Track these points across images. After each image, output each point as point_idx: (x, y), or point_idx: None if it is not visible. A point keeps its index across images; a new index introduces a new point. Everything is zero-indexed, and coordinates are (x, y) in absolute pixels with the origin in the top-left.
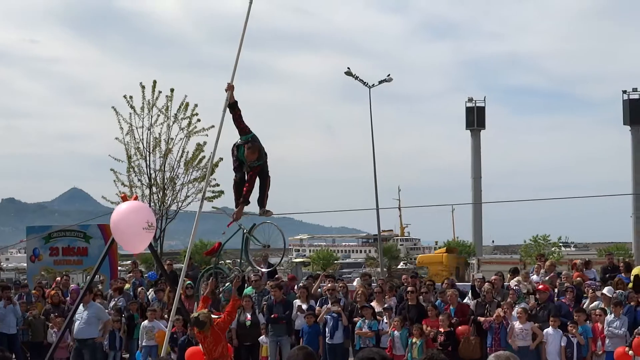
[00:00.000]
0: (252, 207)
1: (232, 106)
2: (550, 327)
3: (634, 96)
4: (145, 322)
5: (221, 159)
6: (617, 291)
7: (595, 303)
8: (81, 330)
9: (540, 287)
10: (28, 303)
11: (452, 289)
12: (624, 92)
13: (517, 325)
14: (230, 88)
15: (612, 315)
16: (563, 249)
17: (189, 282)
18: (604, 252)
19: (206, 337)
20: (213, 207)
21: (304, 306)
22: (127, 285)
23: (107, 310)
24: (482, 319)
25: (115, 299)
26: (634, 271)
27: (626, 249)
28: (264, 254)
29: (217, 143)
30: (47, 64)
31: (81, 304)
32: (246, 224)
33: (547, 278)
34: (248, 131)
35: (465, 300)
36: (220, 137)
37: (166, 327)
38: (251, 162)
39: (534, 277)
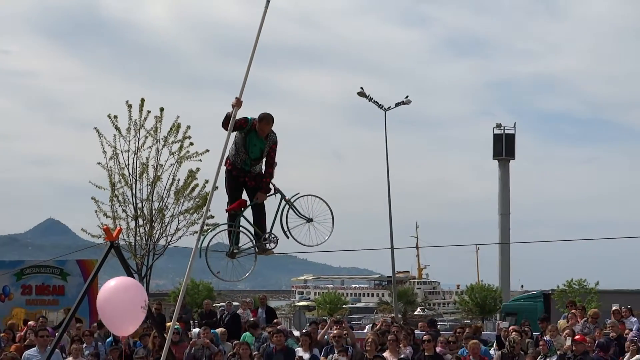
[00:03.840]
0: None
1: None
2: None
3: None
4: None
5: (217, 187)
6: None
7: (636, 357)
8: None
9: (577, 337)
10: None
11: (474, 338)
12: None
13: None
14: (238, 104)
15: None
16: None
17: (176, 327)
18: None
19: None
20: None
21: (306, 356)
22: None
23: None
24: None
25: (93, 345)
26: None
27: None
28: (262, 295)
29: (220, 167)
30: (20, 77)
31: (35, 348)
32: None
33: (592, 328)
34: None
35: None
36: (211, 158)
37: None
38: (269, 137)
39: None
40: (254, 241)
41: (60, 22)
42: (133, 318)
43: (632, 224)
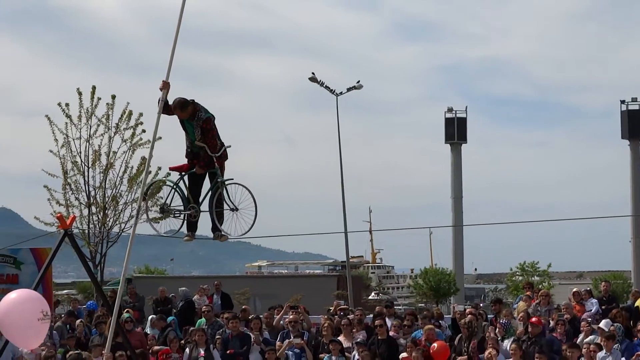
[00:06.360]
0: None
1: (166, 108)
2: None
3: (634, 107)
4: None
5: (159, 168)
6: (615, 324)
7: (591, 337)
8: None
9: (533, 319)
10: None
11: (431, 323)
12: (622, 102)
13: None
14: (165, 86)
15: (604, 350)
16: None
17: (128, 315)
18: (599, 280)
19: None
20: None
21: (260, 339)
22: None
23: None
24: (460, 358)
25: (47, 333)
26: (638, 302)
27: (624, 278)
28: (217, 282)
29: (152, 150)
30: None
31: None
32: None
33: (543, 310)
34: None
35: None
36: (163, 145)
37: None
38: (197, 117)
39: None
40: (184, 204)
41: (4, 8)
42: (32, 331)
43: (582, 206)
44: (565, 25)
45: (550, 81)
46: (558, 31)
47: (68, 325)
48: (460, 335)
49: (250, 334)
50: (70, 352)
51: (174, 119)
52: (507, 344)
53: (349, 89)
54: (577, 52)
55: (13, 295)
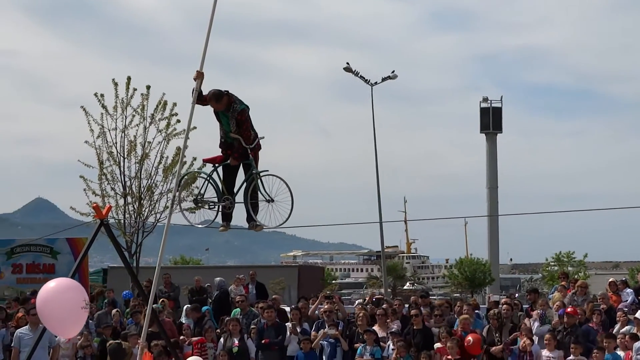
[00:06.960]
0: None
1: (200, 98)
2: (572, 355)
3: None
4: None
5: (194, 158)
6: None
7: (627, 328)
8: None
9: (569, 309)
10: None
11: (467, 313)
12: None
13: (544, 353)
14: (199, 76)
15: None
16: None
17: (156, 305)
18: (636, 271)
19: None
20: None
21: (298, 329)
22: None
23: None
24: (494, 348)
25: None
26: None
27: None
28: (252, 271)
29: (186, 140)
30: (4, 57)
31: (27, 326)
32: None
33: (580, 300)
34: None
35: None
36: (197, 135)
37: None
38: (232, 109)
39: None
40: (217, 196)
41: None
42: (73, 319)
43: (618, 196)
44: (603, 14)
45: (587, 70)
46: (596, 20)
47: (109, 315)
48: (489, 325)
49: (287, 324)
50: (111, 342)
51: (208, 108)
52: (544, 329)
53: (383, 79)
54: (613, 42)
55: (52, 284)
